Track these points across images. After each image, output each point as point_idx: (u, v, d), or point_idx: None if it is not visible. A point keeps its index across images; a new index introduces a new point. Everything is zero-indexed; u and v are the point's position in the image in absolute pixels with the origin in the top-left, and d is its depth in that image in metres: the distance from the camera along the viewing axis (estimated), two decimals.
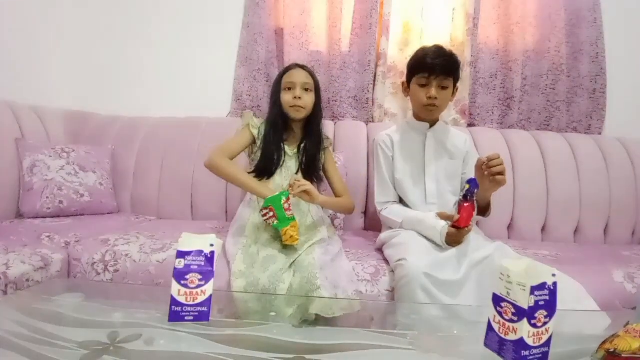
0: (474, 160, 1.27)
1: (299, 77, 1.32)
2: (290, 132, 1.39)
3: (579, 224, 1.74)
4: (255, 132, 1.36)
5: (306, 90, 1.33)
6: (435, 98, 1.27)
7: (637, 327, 0.65)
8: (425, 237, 1.21)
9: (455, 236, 1.15)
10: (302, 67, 1.37)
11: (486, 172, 1.11)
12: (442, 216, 1.19)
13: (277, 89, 1.36)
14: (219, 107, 2.07)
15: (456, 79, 1.30)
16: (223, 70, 2.07)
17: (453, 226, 1.13)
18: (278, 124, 1.35)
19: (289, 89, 1.32)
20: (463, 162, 1.40)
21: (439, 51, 1.27)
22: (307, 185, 1.20)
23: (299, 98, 1.31)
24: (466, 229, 1.12)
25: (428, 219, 1.23)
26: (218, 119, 2.00)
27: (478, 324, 0.71)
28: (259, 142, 1.36)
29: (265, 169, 1.33)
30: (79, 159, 1.71)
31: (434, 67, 1.24)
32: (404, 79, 1.37)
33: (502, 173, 1.10)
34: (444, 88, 1.28)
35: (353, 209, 1.44)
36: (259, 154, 1.35)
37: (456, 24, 1.96)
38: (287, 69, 1.37)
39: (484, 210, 1.26)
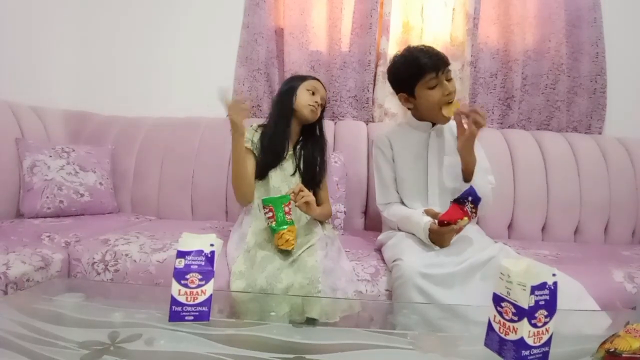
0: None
1: (322, 90, 1.39)
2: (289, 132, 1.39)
3: (579, 224, 1.74)
4: (248, 144, 1.36)
5: (321, 105, 1.38)
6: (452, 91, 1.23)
7: (637, 327, 0.65)
8: (418, 236, 1.20)
9: (438, 233, 1.12)
10: (322, 83, 1.43)
11: (466, 121, 1.12)
12: (429, 213, 1.16)
13: (291, 90, 1.36)
14: (219, 107, 2.03)
15: None
16: (223, 70, 2.07)
17: (438, 223, 1.11)
18: (284, 120, 1.36)
19: (313, 92, 1.36)
20: None
21: (424, 49, 1.24)
22: (310, 197, 1.21)
23: (318, 103, 1.36)
24: (449, 227, 1.08)
25: (414, 216, 1.22)
26: (218, 119, 1.99)
27: (478, 324, 0.71)
28: (253, 147, 1.36)
29: (265, 165, 1.33)
30: (79, 159, 1.71)
31: (436, 64, 1.20)
32: (397, 91, 1.33)
33: (479, 124, 1.12)
34: (449, 80, 1.24)
35: (331, 215, 1.49)
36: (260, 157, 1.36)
37: (456, 24, 1.96)
38: (310, 77, 1.40)
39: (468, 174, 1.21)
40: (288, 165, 1.37)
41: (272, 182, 1.34)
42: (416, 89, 1.25)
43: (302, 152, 1.39)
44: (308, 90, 1.36)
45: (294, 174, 1.36)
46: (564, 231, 1.74)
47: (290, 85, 1.38)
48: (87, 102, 2.08)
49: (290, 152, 1.39)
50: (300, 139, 1.42)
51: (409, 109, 1.36)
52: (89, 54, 2.14)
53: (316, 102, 1.35)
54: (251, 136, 1.37)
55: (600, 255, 1.43)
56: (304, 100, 1.35)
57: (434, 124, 1.33)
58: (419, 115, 1.34)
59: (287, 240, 1.13)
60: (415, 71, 1.23)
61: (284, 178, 1.35)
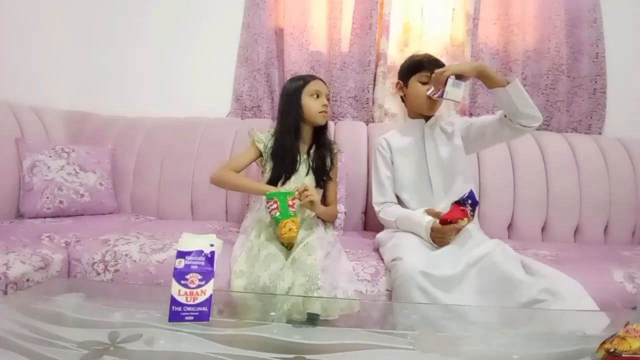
0: (467, 122, 1.41)
1: (323, 87, 1.42)
2: (300, 140, 1.43)
3: (579, 224, 1.74)
4: (260, 146, 1.42)
5: (328, 100, 1.42)
6: None
7: (637, 327, 0.65)
8: (419, 235, 1.22)
9: (440, 232, 1.16)
10: (321, 79, 1.45)
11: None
12: (430, 213, 1.21)
13: (296, 97, 1.39)
14: (219, 107, 2.07)
15: None
16: (223, 70, 2.07)
17: (440, 221, 1.15)
18: (294, 131, 1.39)
19: (317, 96, 1.39)
20: (462, 139, 1.41)
21: (431, 57, 1.39)
22: (314, 197, 1.27)
23: (326, 105, 1.40)
24: (451, 225, 1.13)
25: (415, 215, 1.26)
26: (218, 119, 2.00)
27: (478, 324, 0.71)
28: (265, 155, 1.41)
29: (279, 176, 1.38)
30: (79, 159, 1.71)
31: (433, 67, 1.31)
32: (397, 79, 1.45)
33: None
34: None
35: (336, 217, 1.53)
36: (267, 166, 1.41)
37: (456, 24, 1.96)
38: (307, 80, 1.41)
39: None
40: (302, 168, 1.42)
41: (287, 187, 1.37)
42: (410, 80, 1.39)
43: (316, 155, 1.43)
44: (312, 95, 1.39)
45: (306, 174, 1.41)
46: (563, 231, 1.74)
47: (293, 96, 1.39)
48: (87, 102, 2.08)
49: (305, 156, 1.43)
50: (313, 144, 1.45)
51: (401, 98, 1.47)
52: (89, 54, 2.14)
53: (324, 105, 1.39)
54: (267, 141, 1.42)
55: (600, 255, 1.43)
56: (313, 108, 1.39)
57: (427, 120, 1.40)
58: (409, 108, 1.45)
59: (290, 229, 1.15)
60: (415, 65, 1.39)
61: (297, 180, 1.39)
